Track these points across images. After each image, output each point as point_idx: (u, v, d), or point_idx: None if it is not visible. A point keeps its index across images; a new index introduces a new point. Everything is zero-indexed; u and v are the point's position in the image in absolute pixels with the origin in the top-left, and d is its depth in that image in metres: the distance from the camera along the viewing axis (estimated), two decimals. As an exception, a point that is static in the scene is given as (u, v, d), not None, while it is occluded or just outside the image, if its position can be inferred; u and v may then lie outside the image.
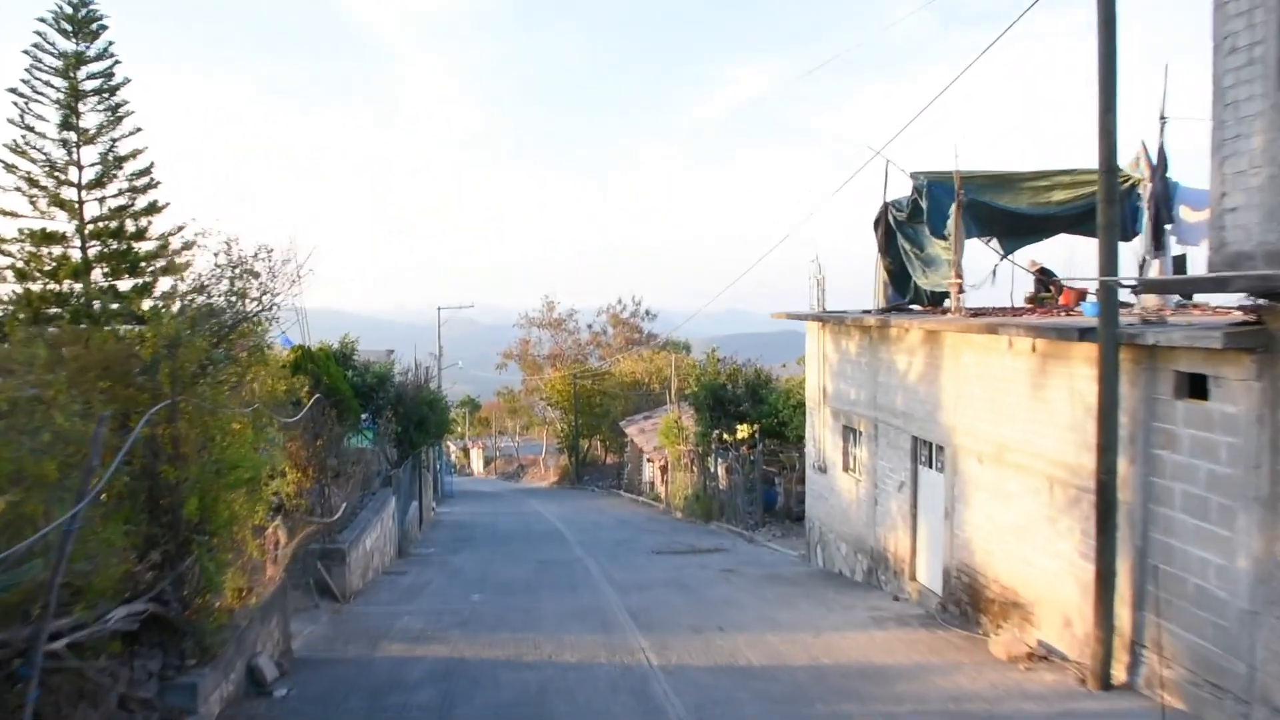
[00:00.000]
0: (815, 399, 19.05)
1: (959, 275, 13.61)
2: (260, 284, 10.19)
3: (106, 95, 16.32)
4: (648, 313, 65.52)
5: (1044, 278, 15.99)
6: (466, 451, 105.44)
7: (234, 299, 10.14)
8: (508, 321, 69.60)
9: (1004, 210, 13.73)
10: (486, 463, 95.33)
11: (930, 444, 13.94)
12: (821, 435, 18.62)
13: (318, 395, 15.97)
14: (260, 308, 10.39)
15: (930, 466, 14.00)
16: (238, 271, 10.13)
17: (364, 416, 25.21)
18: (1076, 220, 14.30)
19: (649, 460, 40.99)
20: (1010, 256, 14.58)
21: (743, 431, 27.63)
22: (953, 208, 13.45)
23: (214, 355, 9.35)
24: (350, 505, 17.55)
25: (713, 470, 30.15)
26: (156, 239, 16.93)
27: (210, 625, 8.17)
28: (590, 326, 66.19)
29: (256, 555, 11.27)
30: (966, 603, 12.58)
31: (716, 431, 28.08)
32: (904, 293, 16.82)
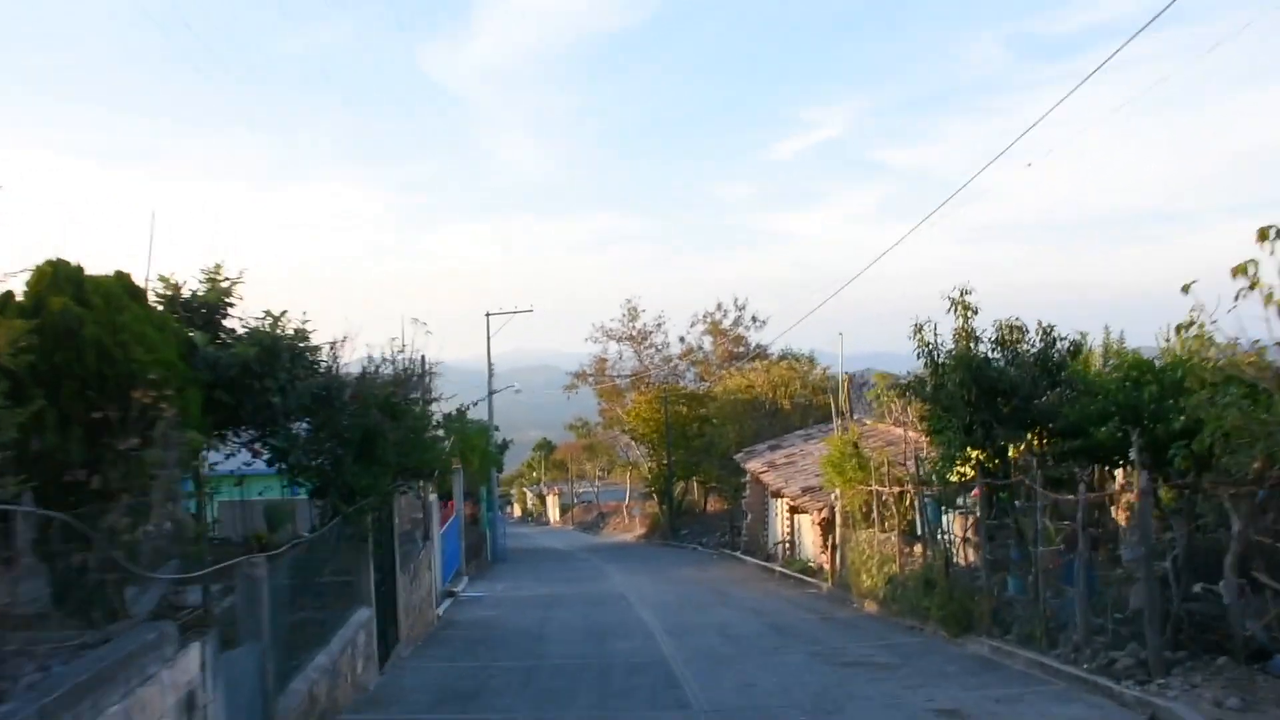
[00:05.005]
0: None
1: None
2: None
3: None
4: (754, 319, 51.54)
5: None
6: (542, 498, 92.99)
7: None
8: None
9: None
10: (563, 511, 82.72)
11: None
12: None
13: None
14: None
15: None
16: None
17: (250, 433, 12.09)
18: None
19: (791, 509, 26.88)
20: None
21: (1027, 444, 13.66)
22: None
23: None
24: None
25: (946, 527, 16.02)
26: None
27: None
28: (683, 339, 52.45)
29: None
30: None
31: (975, 453, 13.99)
32: None
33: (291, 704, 9.11)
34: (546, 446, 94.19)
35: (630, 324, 52.29)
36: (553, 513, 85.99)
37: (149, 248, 12.66)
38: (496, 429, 41.94)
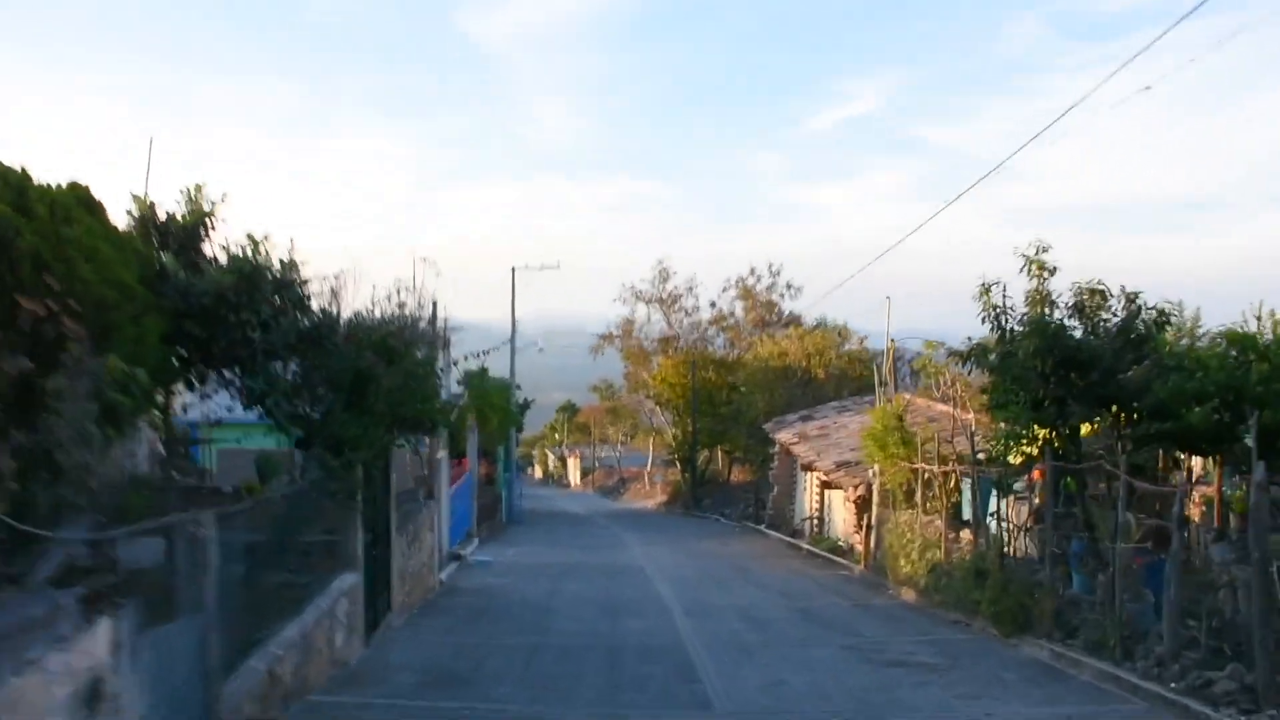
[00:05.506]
0: None
1: None
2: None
3: None
4: (789, 286, 49.62)
5: None
6: (564, 461, 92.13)
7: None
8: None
9: None
10: (584, 474, 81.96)
11: None
12: None
13: None
14: None
15: None
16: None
17: (228, 374, 10.79)
18: None
19: (822, 484, 25.40)
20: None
21: (1106, 424, 12.08)
22: None
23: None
24: None
25: (1004, 514, 14.47)
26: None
27: None
28: (713, 304, 50.71)
29: None
30: None
31: (1042, 432, 12.40)
32: None
33: (245, 686, 7.79)
34: (570, 409, 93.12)
35: (660, 286, 50.55)
36: (573, 476, 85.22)
37: (145, 174, 11.34)
38: (518, 388, 40.63)
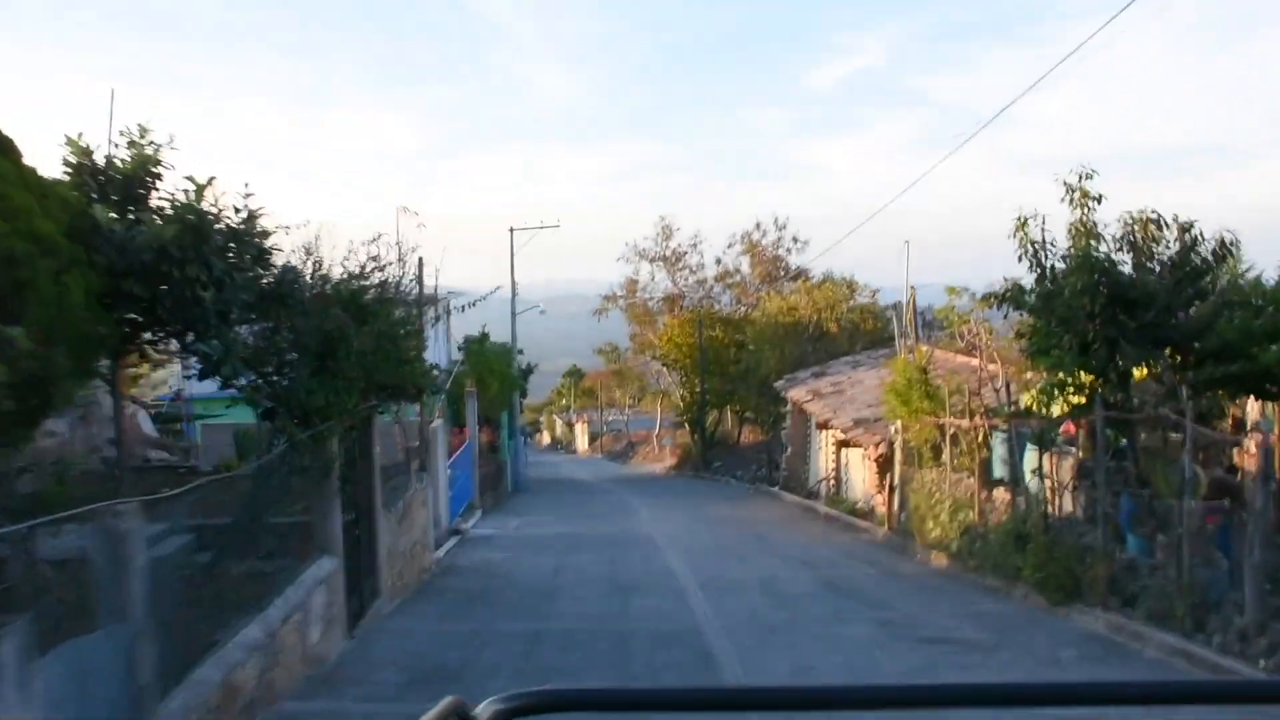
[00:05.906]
0: None
1: None
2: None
3: None
4: (795, 240, 48.17)
5: None
6: (571, 426, 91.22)
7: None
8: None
9: None
10: (592, 439, 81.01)
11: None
12: None
13: None
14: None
15: None
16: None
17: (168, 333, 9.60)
18: None
19: (838, 443, 24.22)
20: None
21: (1164, 367, 10.86)
22: None
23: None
24: None
25: (1043, 470, 13.26)
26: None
27: None
28: (719, 260, 49.30)
29: None
30: None
31: (1088, 379, 11.16)
32: None
33: (194, 701, 6.67)
34: (576, 374, 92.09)
35: (664, 243, 49.17)
36: (581, 441, 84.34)
37: (107, 130, 10.10)
38: (521, 352, 39.51)
